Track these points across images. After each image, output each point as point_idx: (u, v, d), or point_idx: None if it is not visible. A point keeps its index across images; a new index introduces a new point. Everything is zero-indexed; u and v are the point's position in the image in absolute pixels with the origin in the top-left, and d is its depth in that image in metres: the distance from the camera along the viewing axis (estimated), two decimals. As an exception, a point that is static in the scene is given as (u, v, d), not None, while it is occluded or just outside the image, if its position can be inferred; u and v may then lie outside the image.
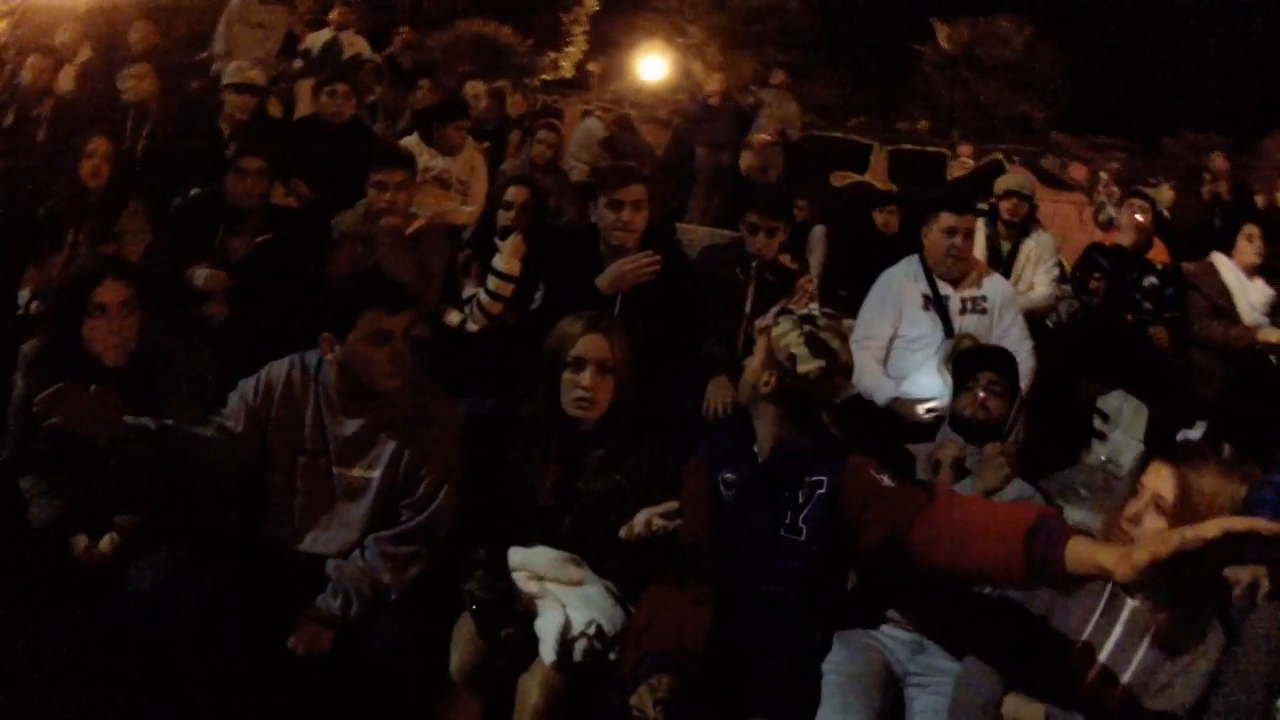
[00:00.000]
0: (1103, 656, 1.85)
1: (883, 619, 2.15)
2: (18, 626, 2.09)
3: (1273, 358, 4.02)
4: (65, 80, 5.27)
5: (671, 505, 1.85)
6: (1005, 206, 4.47)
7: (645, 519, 1.84)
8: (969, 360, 2.64)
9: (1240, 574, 1.88)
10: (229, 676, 1.98)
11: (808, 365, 1.98)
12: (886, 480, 1.92)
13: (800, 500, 1.98)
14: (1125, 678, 1.83)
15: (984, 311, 3.22)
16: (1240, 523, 1.33)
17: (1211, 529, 1.33)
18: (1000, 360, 2.61)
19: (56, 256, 3.33)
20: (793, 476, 2.01)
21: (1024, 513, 1.66)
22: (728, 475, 2.09)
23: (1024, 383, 2.91)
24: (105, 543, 2.16)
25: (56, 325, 2.26)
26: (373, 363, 2.11)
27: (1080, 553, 1.51)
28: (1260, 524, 1.31)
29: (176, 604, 1.99)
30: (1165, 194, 6.40)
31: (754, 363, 2.09)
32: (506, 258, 3.27)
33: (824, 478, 1.97)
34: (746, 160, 7.37)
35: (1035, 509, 1.70)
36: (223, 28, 5.82)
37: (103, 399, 1.90)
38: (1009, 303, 3.26)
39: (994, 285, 3.29)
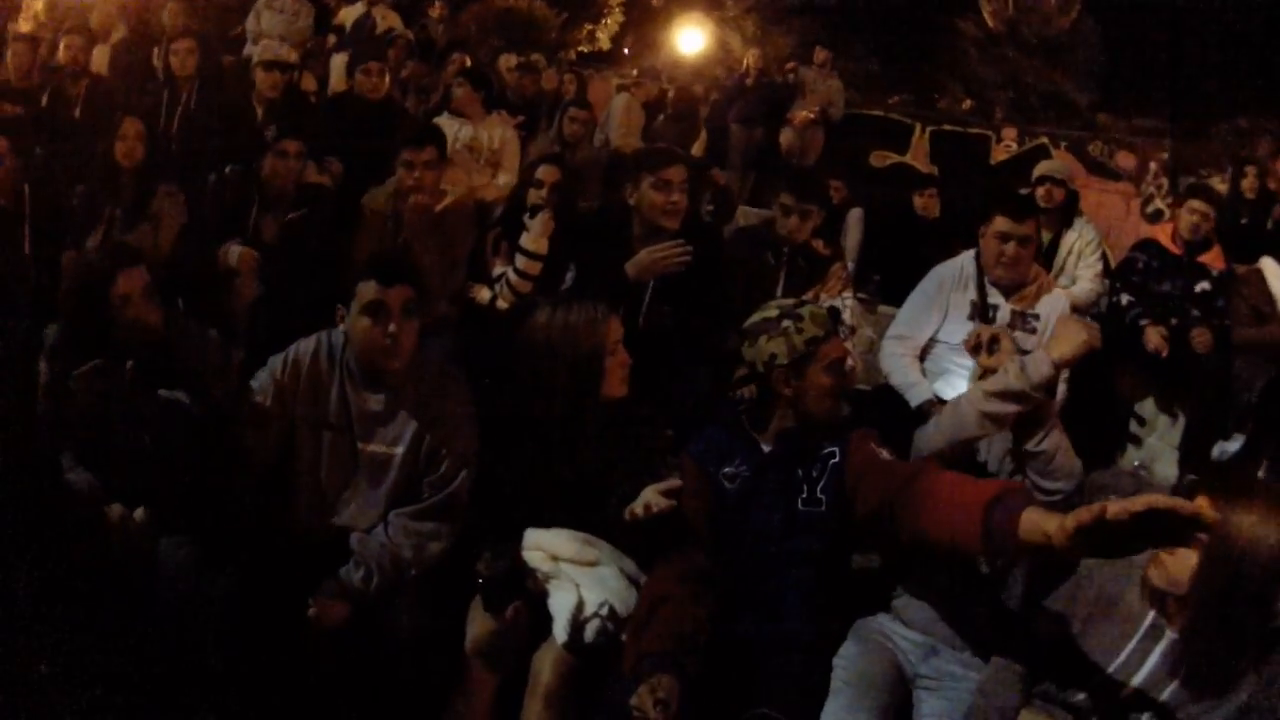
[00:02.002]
0: (1134, 684, 1.78)
1: (888, 605, 2.15)
2: (42, 612, 2.12)
3: None
4: (100, 59, 5.32)
5: (673, 483, 1.87)
6: (1040, 192, 4.33)
7: (644, 502, 1.87)
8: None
9: None
10: (252, 659, 2.00)
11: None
12: (885, 454, 2.00)
13: (815, 474, 2.03)
14: (1148, 712, 1.76)
15: (1033, 331, 3.03)
16: (1163, 500, 1.38)
17: (1138, 504, 1.38)
18: None
19: (93, 238, 3.36)
20: (804, 455, 2.06)
21: (989, 486, 1.71)
22: (727, 470, 2.10)
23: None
24: (139, 513, 2.20)
25: (79, 318, 2.27)
26: (368, 336, 2.08)
27: (1031, 521, 1.57)
28: (1182, 504, 1.37)
29: (198, 584, 2.02)
30: (1217, 186, 6.17)
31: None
32: (535, 237, 3.25)
33: (835, 449, 2.04)
34: (786, 138, 7.27)
35: (1001, 483, 1.74)
36: (252, 15, 5.94)
37: (137, 375, 1.92)
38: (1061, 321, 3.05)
39: (1051, 304, 3.09)
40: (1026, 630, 1.93)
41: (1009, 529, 1.59)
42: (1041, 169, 4.51)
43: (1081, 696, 1.82)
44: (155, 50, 5.25)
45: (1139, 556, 1.80)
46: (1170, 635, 1.77)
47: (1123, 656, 1.79)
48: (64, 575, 2.13)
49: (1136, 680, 1.77)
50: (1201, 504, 1.41)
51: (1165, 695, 1.75)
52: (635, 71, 9.56)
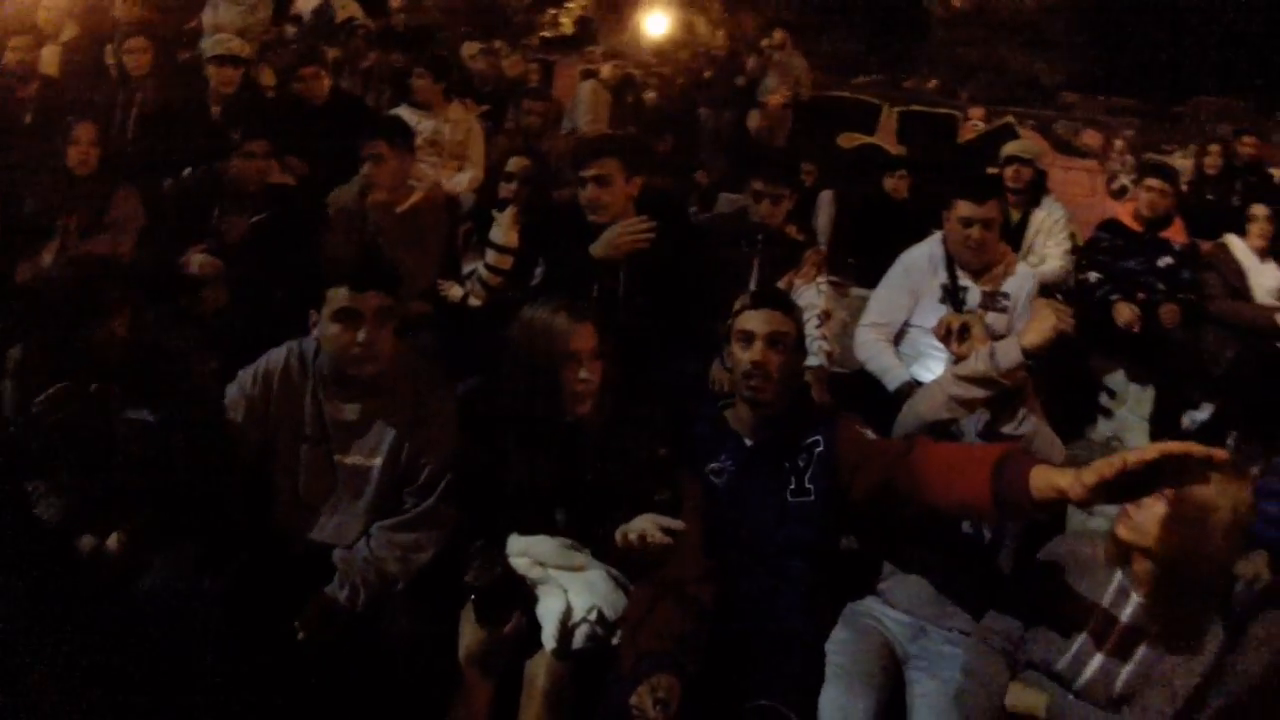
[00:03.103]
0: (1107, 647, 1.86)
1: (873, 589, 2.19)
2: (24, 626, 2.06)
3: None
4: (49, 60, 5.15)
5: (676, 524, 1.85)
6: (1008, 173, 4.35)
7: (639, 531, 1.85)
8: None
9: (1245, 568, 1.90)
10: (240, 672, 1.97)
11: None
12: (872, 435, 2.06)
13: (801, 465, 2.05)
14: (1126, 669, 1.84)
15: (1004, 310, 3.07)
16: (1176, 446, 1.42)
17: (1151, 452, 1.43)
18: None
19: (47, 249, 3.25)
20: (789, 446, 2.07)
21: (993, 449, 1.75)
22: (714, 466, 2.11)
23: None
24: (112, 541, 2.12)
25: (46, 331, 2.18)
26: (341, 344, 2.03)
27: (1042, 478, 1.60)
28: (1194, 447, 1.41)
29: (186, 601, 1.97)
30: (1180, 163, 6.27)
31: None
32: (504, 230, 3.21)
33: (820, 437, 2.05)
34: (755, 120, 7.23)
35: (1003, 445, 1.79)
36: (208, 8, 5.78)
37: (103, 397, 1.86)
38: (1030, 299, 3.09)
39: (1019, 281, 3.13)
40: (1018, 588, 2.00)
41: (1021, 487, 1.61)
42: (1009, 149, 4.53)
43: (1064, 660, 1.88)
44: (108, 49, 5.09)
45: (1100, 521, 1.85)
46: (1136, 599, 1.85)
47: (1092, 622, 1.87)
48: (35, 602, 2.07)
49: (1109, 644, 1.85)
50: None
51: (1137, 654, 1.83)
52: (599, 51, 9.37)
